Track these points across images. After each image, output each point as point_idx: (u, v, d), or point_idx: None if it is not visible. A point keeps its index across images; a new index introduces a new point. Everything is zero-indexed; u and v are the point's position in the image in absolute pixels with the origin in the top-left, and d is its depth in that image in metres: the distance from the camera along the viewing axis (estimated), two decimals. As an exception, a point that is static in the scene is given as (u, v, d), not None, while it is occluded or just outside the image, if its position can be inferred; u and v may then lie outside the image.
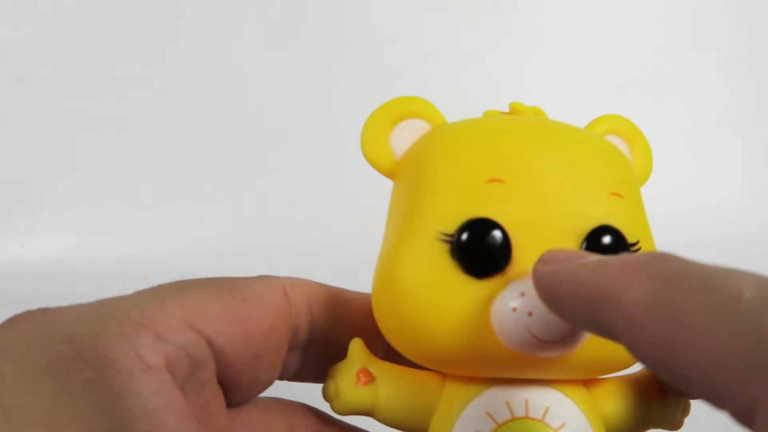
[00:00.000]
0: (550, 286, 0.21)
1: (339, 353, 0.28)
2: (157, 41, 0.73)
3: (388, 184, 0.28)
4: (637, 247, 0.24)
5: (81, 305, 0.24)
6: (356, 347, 0.26)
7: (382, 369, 0.26)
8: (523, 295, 0.22)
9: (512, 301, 0.22)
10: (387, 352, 0.28)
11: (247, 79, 0.74)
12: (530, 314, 0.22)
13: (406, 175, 0.26)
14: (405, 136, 0.27)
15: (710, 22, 0.83)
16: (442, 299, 0.23)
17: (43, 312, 0.23)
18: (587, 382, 0.25)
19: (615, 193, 0.24)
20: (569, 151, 0.25)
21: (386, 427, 0.27)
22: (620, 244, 0.24)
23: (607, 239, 0.24)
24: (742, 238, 0.67)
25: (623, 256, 0.19)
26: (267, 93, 0.74)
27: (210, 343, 0.24)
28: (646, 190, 0.27)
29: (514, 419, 0.24)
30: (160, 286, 0.25)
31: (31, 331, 0.22)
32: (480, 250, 0.23)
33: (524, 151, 0.24)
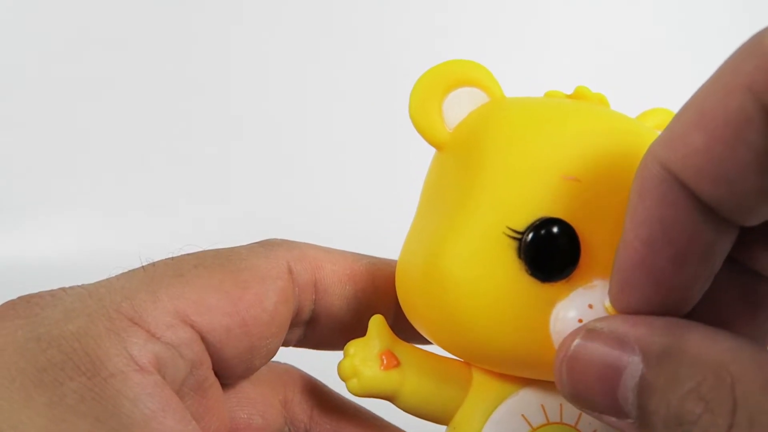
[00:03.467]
0: None
1: (345, 328, 0.27)
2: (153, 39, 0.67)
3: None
4: None
5: (67, 293, 0.22)
6: (378, 325, 0.25)
7: (407, 353, 0.24)
8: (591, 307, 0.21)
9: (578, 311, 0.21)
10: (394, 323, 0.27)
11: (247, 74, 0.68)
12: None
13: (461, 151, 0.24)
14: (459, 105, 0.25)
15: (712, 21, 0.82)
16: (501, 299, 0.22)
17: (27, 303, 0.21)
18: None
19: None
20: (637, 146, 0.23)
21: (379, 404, 0.25)
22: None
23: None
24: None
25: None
26: (269, 88, 0.68)
27: (204, 339, 0.23)
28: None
29: (548, 424, 0.23)
30: (154, 269, 0.23)
31: (17, 332, 0.20)
32: (551, 253, 0.21)
33: (601, 149, 0.22)
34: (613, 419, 0.19)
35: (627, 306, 0.20)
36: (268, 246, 0.26)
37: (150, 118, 0.64)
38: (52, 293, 0.22)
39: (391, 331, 0.25)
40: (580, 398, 0.20)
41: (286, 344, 0.27)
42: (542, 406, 0.23)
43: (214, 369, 0.24)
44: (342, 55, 0.71)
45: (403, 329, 0.25)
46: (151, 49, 0.66)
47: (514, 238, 0.22)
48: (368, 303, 0.27)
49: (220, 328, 0.23)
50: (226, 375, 0.24)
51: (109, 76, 0.64)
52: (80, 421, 0.18)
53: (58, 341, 0.20)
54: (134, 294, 0.22)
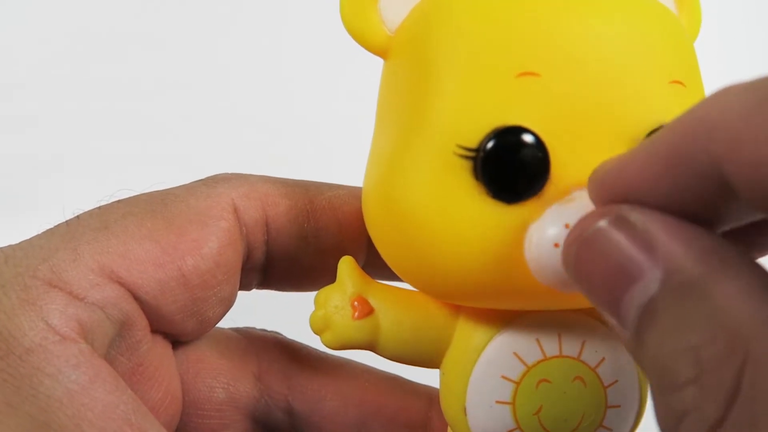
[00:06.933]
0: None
1: (310, 270, 0.24)
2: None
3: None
4: None
5: None
6: (348, 269, 0.22)
7: (381, 296, 0.22)
8: (567, 226, 0.17)
9: (552, 232, 0.17)
10: (366, 261, 0.24)
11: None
12: None
13: (405, 56, 0.20)
14: (399, 1, 0.21)
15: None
16: (465, 230, 0.18)
17: None
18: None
19: (676, 81, 0.19)
20: (620, 26, 0.19)
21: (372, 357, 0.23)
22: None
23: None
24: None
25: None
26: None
27: (136, 296, 0.20)
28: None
29: (546, 359, 0.20)
30: (78, 222, 0.20)
31: None
32: (511, 169, 0.18)
33: (565, 31, 0.18)
34: (613, 320, 0.15)
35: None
36: (210, 183, 0.23)
37: (147, 119, 0.60)
38: None
39: (362, 274, 0.22)
40: (582, 287, 0.16)
41: (246, 288, 0.24)
42: (537, 340, 0.20)
43: (156, 328, 0.21)
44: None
45: (379, 266, 0.22)
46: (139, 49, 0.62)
47: (468, 157, 0.18)
48: (334, 241, 0.24)
49: (153, 282, 0.20)
50: (177, 333, 0.22)
51: (105, 75, 0.61)
52: None
53: None
54: (53, 254, 0.19)
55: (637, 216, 0.15)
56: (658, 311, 0.14)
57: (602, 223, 0.15)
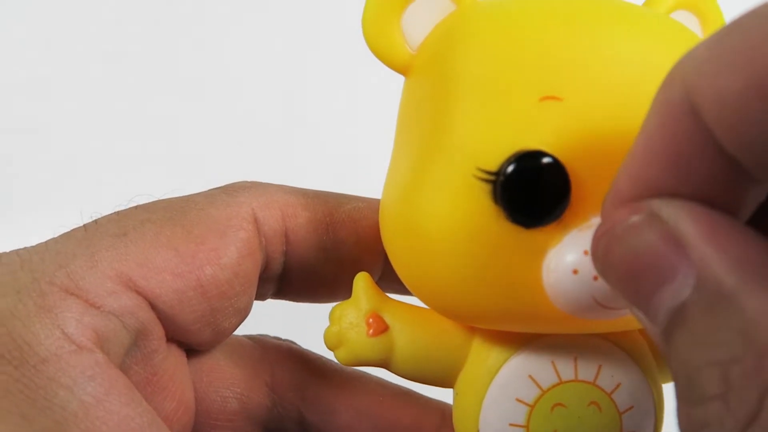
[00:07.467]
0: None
1: (327, 281, 0.24)
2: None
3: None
4: None
5: (1, 262, 0.19)
6: (364, 285, 0.22)
7: (396, 314, 0.21)
8: (586, 253, 0.17)
9: (571, 258, 0.17)
10: (382, 274, 0.25)
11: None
12: (597, 279, 0.17)
13: (427, 75, 0.20)
14: (421, 18, 0.21)
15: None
16: (481, 254, 0.18)
17: None
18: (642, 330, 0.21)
19: (701, 107, 0.19)
20: (644, 52, 0.19)
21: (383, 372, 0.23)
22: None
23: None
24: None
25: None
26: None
27: (153, 305, 0.20)
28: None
29: (561, 383, 0.20)
30: (96, 227, 0.20)
31: None
32: (531, 194, 0.18)
33: (588, 56, 0.18)
34: (642, 315, 0.15)
35: None
36: (230, 191, 0.23)
37: (148, 119, 0.60)
38: None
39: (378, 290, 0.22)
40: (610, 280, 0.15)
41: (261, 298, 0.24)
42: (553, 362, 0.20)
43: (172, 337, 0.21)
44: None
45: (395, 280, 0.22)
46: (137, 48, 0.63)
47: (487, 180, 0.18)
48: (352, 254, 0.24)
49: (171, 291, 0.20)
50: (192, 342, 0.22)
51: (108, 75, 0.60)
52: (1, 423, 0.16)
53: None
54: (70, 260, 0.19)
55: (670, 213, 0.14)
56: (689, 318, 0.13)
57: (634, 219, 0.15)
